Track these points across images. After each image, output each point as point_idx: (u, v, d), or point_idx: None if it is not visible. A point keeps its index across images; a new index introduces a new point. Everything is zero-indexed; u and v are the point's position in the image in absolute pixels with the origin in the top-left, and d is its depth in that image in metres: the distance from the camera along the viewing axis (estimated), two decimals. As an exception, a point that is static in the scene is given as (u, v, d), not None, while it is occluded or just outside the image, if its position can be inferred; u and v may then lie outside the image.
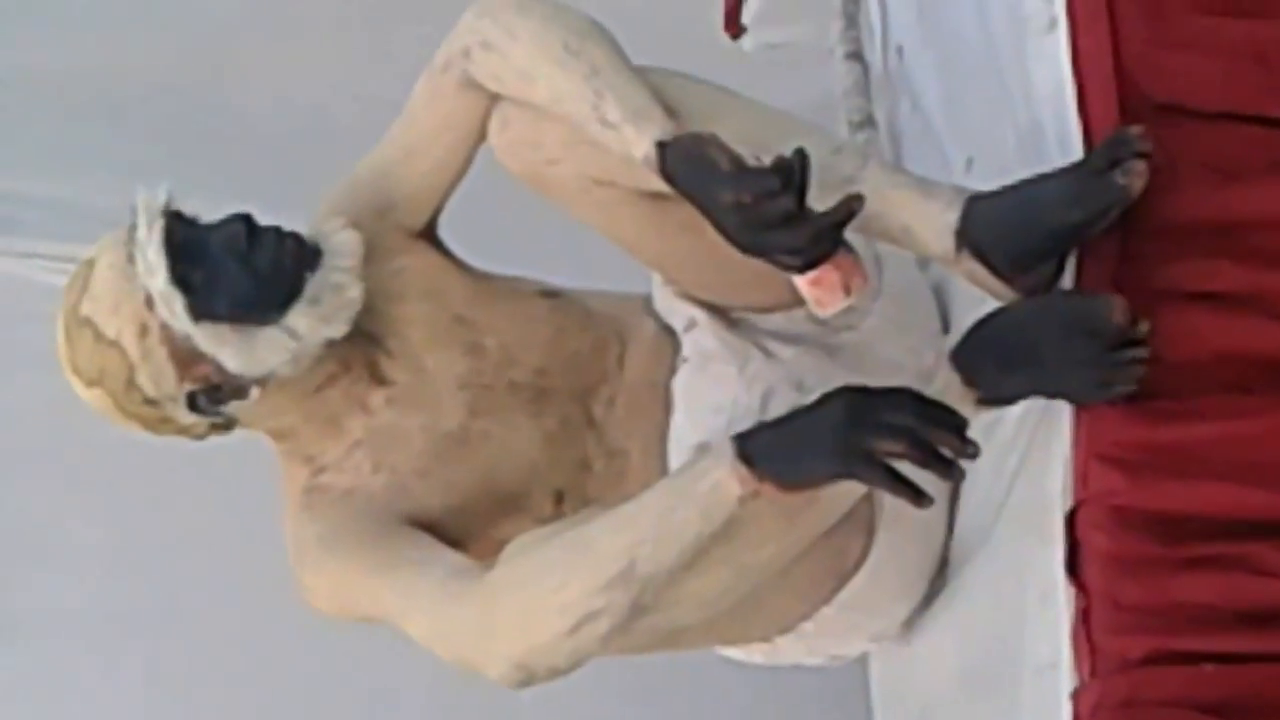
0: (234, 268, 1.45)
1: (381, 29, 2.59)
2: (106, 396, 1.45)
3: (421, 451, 1.56)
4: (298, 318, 1.45)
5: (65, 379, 1.52)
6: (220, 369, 1.46)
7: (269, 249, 1.46)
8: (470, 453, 1.59)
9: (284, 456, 1.56)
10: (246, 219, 1.46)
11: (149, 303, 1.42)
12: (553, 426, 1.64)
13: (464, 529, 1.56)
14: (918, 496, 1.25)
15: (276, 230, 1.50)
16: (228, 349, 1.45)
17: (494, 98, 1.53)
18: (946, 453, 1.25)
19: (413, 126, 1.62)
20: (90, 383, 1.46)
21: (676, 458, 1.57)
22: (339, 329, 1.47)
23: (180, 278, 1.43)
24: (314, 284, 1.46)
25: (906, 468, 1.28)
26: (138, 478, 2.35)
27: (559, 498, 1.63)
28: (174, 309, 1.42)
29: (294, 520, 1.53)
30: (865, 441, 1.25)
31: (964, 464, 1.28)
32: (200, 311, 1.42)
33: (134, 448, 1.73)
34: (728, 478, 1.28)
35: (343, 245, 1.49)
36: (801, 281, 1.40)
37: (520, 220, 1.98)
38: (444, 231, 1.71)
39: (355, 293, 1.49)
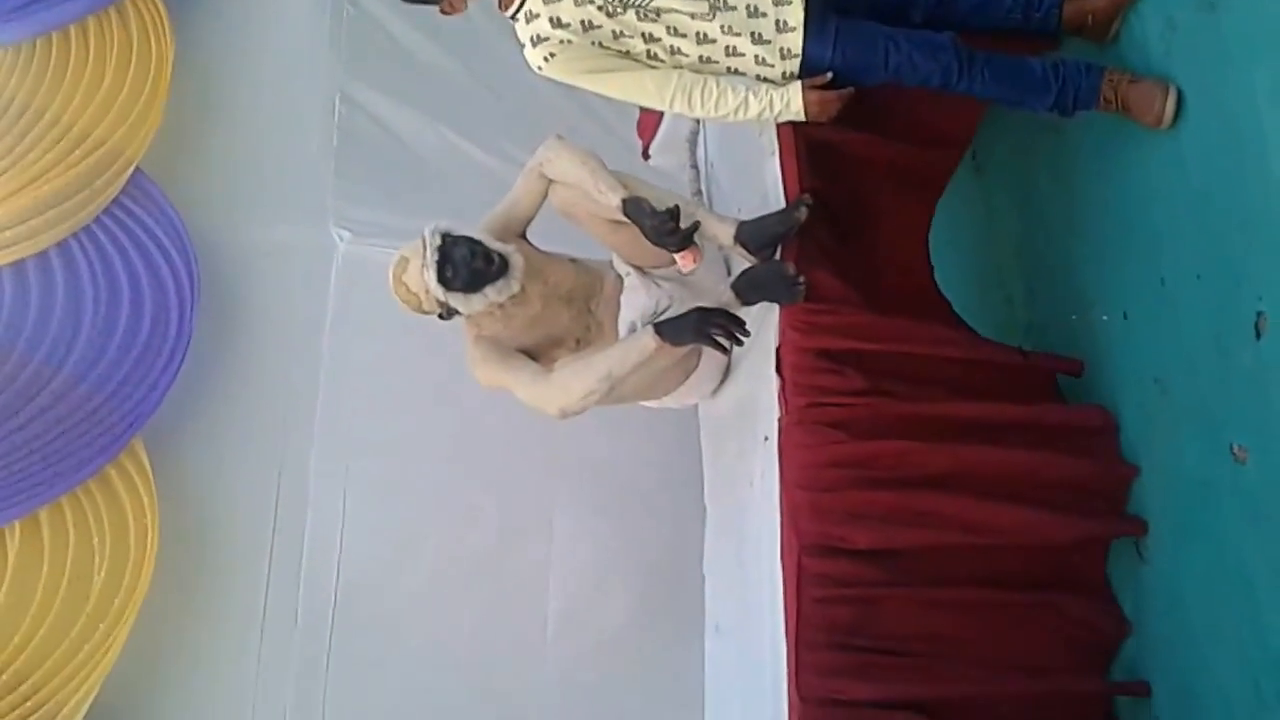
0: (463, 270, 2.45)
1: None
2: (407, 306, 2.54)
3: (522, 322, 2.58)
4: (488, 291, 2.49)
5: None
6: (453, 308, 2.53)
7: (479, 259, 2.45)
8: (541, 323, 2.61)
9: (467, 324, 2.60)
10: (470, 240, 2.48)
11: (428, 281, 2.47)
12: (574, 313, 2.65)
13: (539, 354, 2.60)
14: (723, 350, 2.44)
15: (478, 248, 2.47)
16: (458, 302, 2.51)
17: (551, 180, 2.60)
18: (735, 332, 2.38)
19: (517, 191, 2.66)
20: (404, 302, 2.54)
21: (623, 329, 2.61)
22: (504, 297, 2.52)
23: (440, 273, 2.45)
24: (501, 281, 2.48)
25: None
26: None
27: (577, 343, 2.65)
28: (437, 288, 2.47)
29: (470, 349, 2.60)
30: (704, 328, 2.37)
31: (739, 335, 2.38)
32: (448, 288, 2.47)
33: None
34: (651, 340, 2.42)
35: (518, 263, 2.52)
36: (676, 256, 2.52)
37: (561, 231, 2.79)
38: (531, 235, 2.72)
39: (516, 287, 2.51)
